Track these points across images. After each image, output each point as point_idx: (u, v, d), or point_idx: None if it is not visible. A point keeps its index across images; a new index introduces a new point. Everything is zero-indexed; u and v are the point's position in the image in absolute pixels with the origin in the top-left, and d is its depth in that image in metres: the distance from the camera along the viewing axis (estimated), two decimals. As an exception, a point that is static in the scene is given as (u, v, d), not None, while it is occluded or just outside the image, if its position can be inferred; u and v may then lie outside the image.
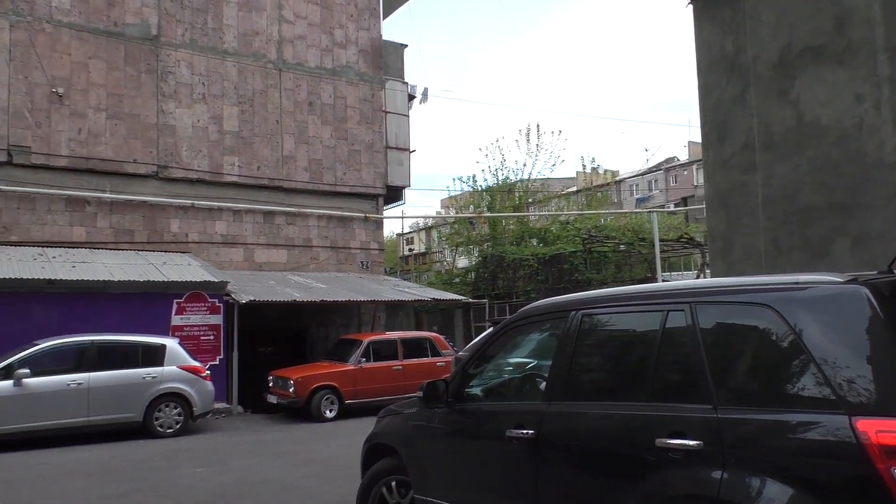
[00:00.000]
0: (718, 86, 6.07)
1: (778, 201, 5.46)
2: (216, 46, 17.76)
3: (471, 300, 20.00)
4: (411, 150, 20.84)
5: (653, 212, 20.10)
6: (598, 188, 30.62)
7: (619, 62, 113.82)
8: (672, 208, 48.78)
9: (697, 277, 21.22)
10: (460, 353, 8.77)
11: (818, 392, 2.71)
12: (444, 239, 32.86)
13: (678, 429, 3.07)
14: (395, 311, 20.25)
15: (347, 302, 15.50)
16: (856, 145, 4.92)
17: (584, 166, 28.47)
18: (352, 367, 13.21)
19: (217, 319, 14.27)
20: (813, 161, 5.22)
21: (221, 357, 14.19)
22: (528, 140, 28.28)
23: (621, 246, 21.71)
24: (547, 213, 28.76)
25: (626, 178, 63.13)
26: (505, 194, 28.67)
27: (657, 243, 19.48)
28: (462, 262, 37.87)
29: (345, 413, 13.09)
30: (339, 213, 19.25)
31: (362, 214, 19.57)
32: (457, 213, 31.95)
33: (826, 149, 5.09)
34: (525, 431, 3.81)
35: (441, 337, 14.58)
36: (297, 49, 18.99)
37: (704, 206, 6.29)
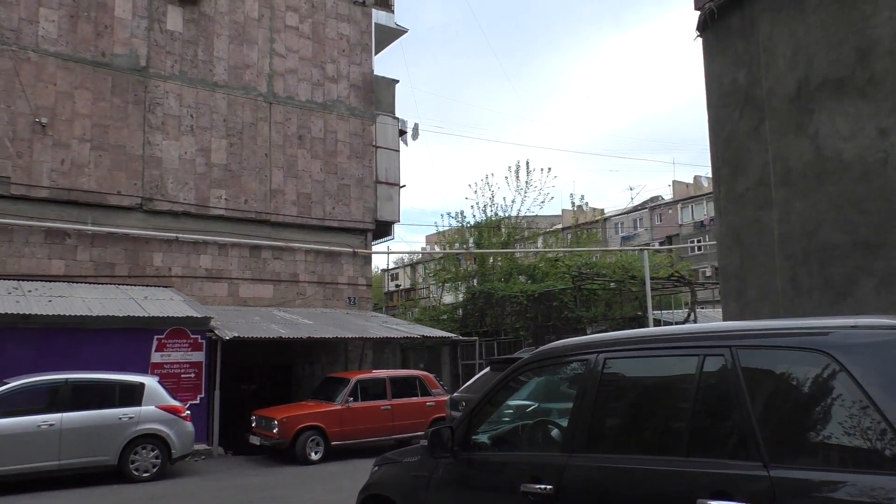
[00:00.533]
0: (731, 120, 5.87)
1: (796, 239, 5.23)
2: (206, 78, 17.56)
3: (460, 337, 19.62)
4: (401, 185, 20.65)
5: (643, 250, 19.95)
6: (585, 225, 30.51)
7: (610, 99, 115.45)
8: (657, 247, 48.94)
9: (688, 316, 21.02)
10: (455, 394, 8.39)
11: (888, 449, 2.40)
12: (431, 275, 32.53)
13: (723, 488, 2.75)
14: (382, 349, 19.81)
15: (334, 339, 15.07)
16: (880, 181, 4.70)
17: (572, 203, 28.42)
18: (339, 407, 12.74)
19: (199, 356, 13.78)
20: (834, 197, 4.99)
21: (203, 396, 13.67)
22: (518, 177, 28.22)
23: (611, 284, 21.48)
24: (537, 249, 28.58)
25: (611, 216, 63.56)
26: (493, 230, 28.50)
27: (648, 281, 19.29)
28: (448, 299, 37.53)
29: (331, 455, 12.58)
30: (328, 247, 18.92)
31: (351, 249, 19.25)
32: (444, 249, 31.71)
33: (849, 185, 4.87)
34: (542, 486, 3.46)
35: (431, 376, 14.16)
36: (288, 83, 18.84)
37: (716, 243, 6.05)
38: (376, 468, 5.04)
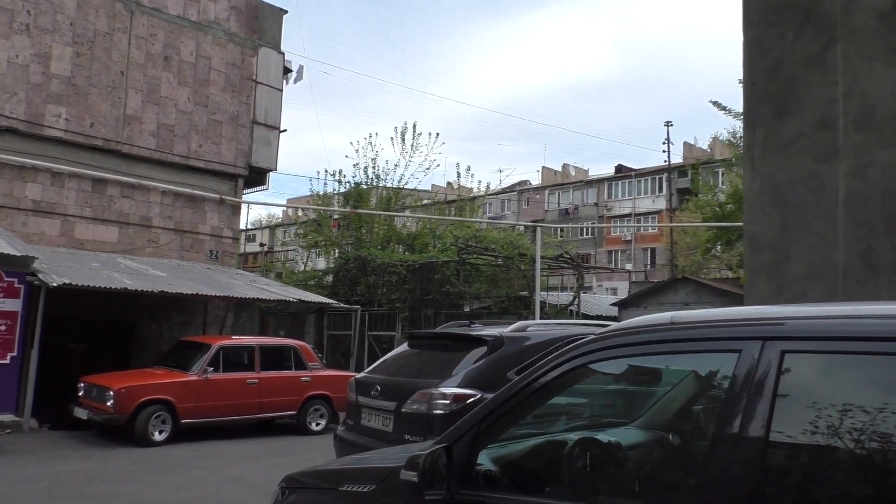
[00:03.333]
0: (781, 43, 4.50)
1: (875, 201, 3.94)
2: (50, -33, 14.29)
3: (344, 305, 17.69)
4: (281, 129, 18.27)
5: (538, 226, 18.97)
6: (468, 199, 29.23)
7: (482, 78, 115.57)
8: (545, 224, 49.01)
9: (573, 301, 20.35)
10: (362, 374, 6.61)
11: None
12: (300, 236, 30.07)
13: None
14: (238, 313, 17.43)
15: (193, 295, 12.70)
16: None
17: (458, 174, 27.15)
18: (194, 378, 10.53)
19: (14, 305, 11.00)
20: (935, 149, 3.74)
21: (15, 354, 10.93)
22: (404, 140, 26.45)
23: (499, 259, 20.36)
24: (428, 216, 26.97)
25: (481, 196, 63.45)
26: (375, 191, 26.58)
27: (538, 259, 18.30)
28: (314, 265, 35.19)
29: (178, 435, 10.38)
30: (190, 190, 16.25)
31: (217, 196, 16.69)
32: (316, 211, 29.33)
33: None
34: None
35: (308, 346, 12.22)
36: (157, -11, 15.87)
37: (745, 205, 4.68)
38: (286, 494, 3.23)
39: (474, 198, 29.25)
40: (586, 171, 66.22)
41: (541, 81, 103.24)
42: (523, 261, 19.52)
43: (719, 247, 21.17)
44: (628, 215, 53.94)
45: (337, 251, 27.00)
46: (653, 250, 53.15)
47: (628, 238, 55.05)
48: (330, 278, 25.09)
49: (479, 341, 5.82)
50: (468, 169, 52.20)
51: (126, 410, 9.94)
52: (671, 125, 45.66)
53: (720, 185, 25.95)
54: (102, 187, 15.01)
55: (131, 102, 15.47)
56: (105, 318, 14.58)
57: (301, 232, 28.57)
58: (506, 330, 5.97)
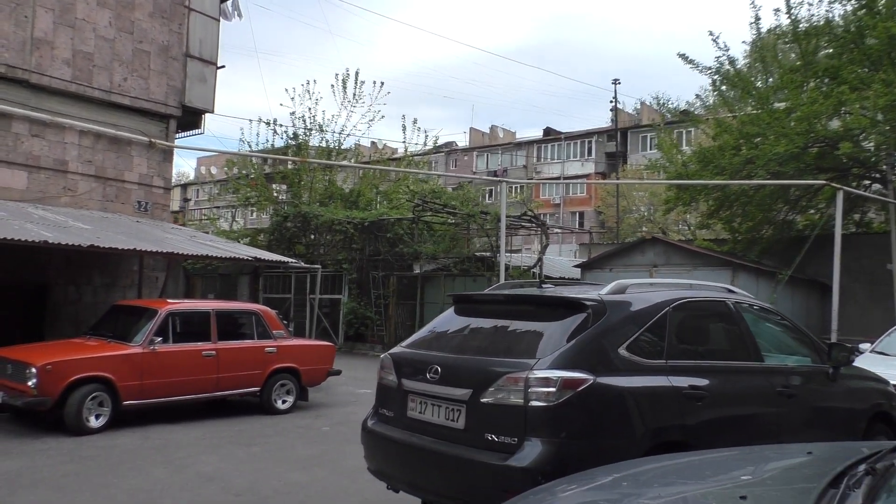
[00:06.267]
0: None
1: None
2: None
3: (304, 265, 15.82)
4: (219, 65, 16.02)
5: (502, 181, 17.56)
6: (419, 154, 27.43)
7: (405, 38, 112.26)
8: (517, 180, 47.78)
9: (537, 263, 19.23)
10: (399, 348, 5.04)
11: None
12: (231, 192, 27.56)
13: None
14: (161, 273, 15.21)
15: (130, 252, 10.65)
16: None
17: (403, 127, 25.30)
18: (139, 351, 8.65)
19: None
20: None
21: None
22: (345, 89, 24.38)
23: (456, 217, 18.90)
24: (387, 167, 24.98)
25: (410, 157, 61.61)
26: (311, 148, 24.49)
27: (503, 217, 16.92)
28: (243, 224, 32.80)
29: (120, 419, 8.54)
30: (113, 131, 13.92)
31: (146, 138, 14.40)
32: (244, 166, 26.86)
33: None
34: None
35: (272, 312, 10.44)
36: None
37: None
38: None
39: (414, 155, 27.47)
40: (514, 134, 65.52)
41: (457, 51, 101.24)
42: (486, 219, 18.15)
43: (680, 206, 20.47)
44: (558, 178, 53.53)
45: (272, 208, 24.83)
46: (581, 213, 53.17)
47: (557, 202, 54.84)
48: (263, 237, 23.05)
49: (575, 306, 4.41)
50: (415, 122, 49.60)
51: (53, 392, 8.00)
52: (619, 83, 45.13)
53: (682, 146, 25.29)
54: (6, 123, 12.53)
55: (40, 23, 12.94)
56: (11, 281, 12.30)
57: (235, 184, 26.07)
58: (603, 292, 4.59)
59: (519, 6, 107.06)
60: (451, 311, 5.20)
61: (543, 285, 5.23)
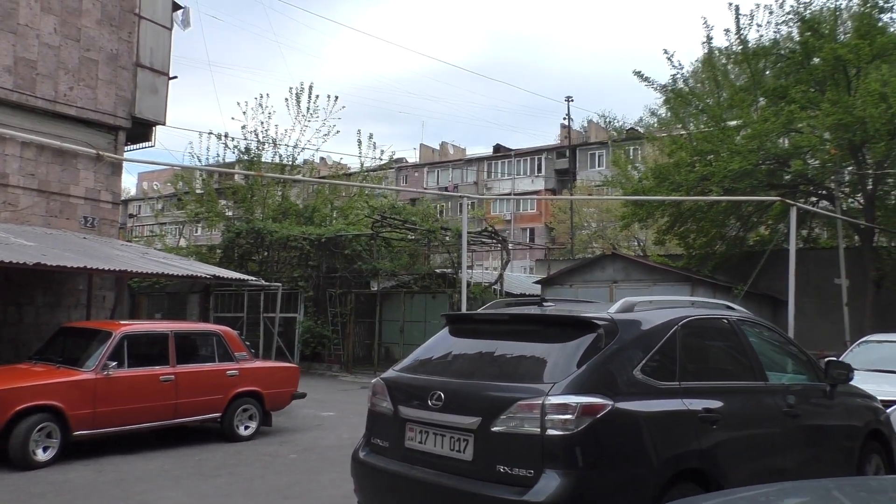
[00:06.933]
0: None
1: None
2: None
3: (264, 283, 15.20)
4: (171, 76, 15.43)
5: (464, 197, 17.38)
6: (379, 169, 26.91)
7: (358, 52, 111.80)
8: (480, 196, 47.59)
9: (497, 280, 19.07)
10: (393, 371, 4.70)
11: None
12: (180, 208, 26.62)
13: None
14: (107, 293, 14.40)
15: (80, 270, 9.99)
16: None
17: (359, 142, 24.90)
18: (91, 376, 8.04)
19: None
20: None
21: None
22: (299, 103, 23.91)
23: (416, 234, 18.60)
24: (343, 182, 24.42)
25: (360, 173, 61.06)
26: (262, 164, 23.88)
27: (465, 233, 16.72)
28: (192, 241, 31.80)
29: (70, 451, 7.91)
30: (58, 143, 13.19)
31: (94, 151, 13.70)
32: (188, 182, 26.04)
33: None
34: None
35: (233, 332, 9.92)
36: None
37: None
38: None
39: (369, 171, 27.05)
40: (464, 150, 65.78)
41: (406, 66, 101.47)
42: (447, 235, 17.91)
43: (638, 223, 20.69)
44: (508, 194, 53.84)
45: (223, 224, 24.08)
46: (532, 229, 53.56)
47: (508, 218, 55.11)
48: (218, 253, 22.30)
49: (585, 326, 4.18)
50: (370, 137, 49.23)
51: (-4, 423, 7.36)
52: (571, 100, 45.68)
53: (636, 161, 25.60)
54: (-60, 133, 11.74)
55: (-21, 28, 12.20)
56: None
57: (181, 202, 25.21)
58: (612, 310, 4.37)
59: (471, 24, 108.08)
60: (444, 332, 4.91)
61: (545, 303, 4.99)
